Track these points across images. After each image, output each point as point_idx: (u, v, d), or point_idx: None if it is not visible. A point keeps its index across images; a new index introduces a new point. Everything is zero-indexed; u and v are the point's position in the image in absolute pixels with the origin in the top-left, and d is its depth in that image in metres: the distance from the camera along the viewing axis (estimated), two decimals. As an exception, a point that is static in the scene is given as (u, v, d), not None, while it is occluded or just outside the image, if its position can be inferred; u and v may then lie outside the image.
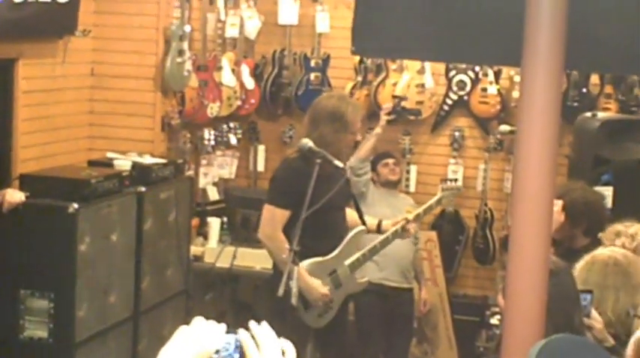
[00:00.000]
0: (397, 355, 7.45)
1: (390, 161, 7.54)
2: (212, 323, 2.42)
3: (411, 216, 6.14)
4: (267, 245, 5.75)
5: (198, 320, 2.43)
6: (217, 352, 2.40)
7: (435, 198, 6.49)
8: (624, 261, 4.17)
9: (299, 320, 5.64)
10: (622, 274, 4.12)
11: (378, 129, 7.47)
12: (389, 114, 7.65)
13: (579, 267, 4.17)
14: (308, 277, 5.61)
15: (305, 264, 5.58)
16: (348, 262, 5.88)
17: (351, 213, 6.04)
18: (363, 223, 5.95)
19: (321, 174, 5.42)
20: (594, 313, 3.88)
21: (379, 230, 6.13)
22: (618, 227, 4.75)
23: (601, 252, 4.32)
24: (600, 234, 4.86)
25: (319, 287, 5.66)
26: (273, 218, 5.64)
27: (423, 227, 7.60)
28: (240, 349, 2.40)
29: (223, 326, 2.43)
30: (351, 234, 5.91)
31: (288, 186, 5.58)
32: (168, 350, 2.39)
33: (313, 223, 5.40)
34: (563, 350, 2.65)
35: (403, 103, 6.81)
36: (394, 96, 7.64)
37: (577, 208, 5.47)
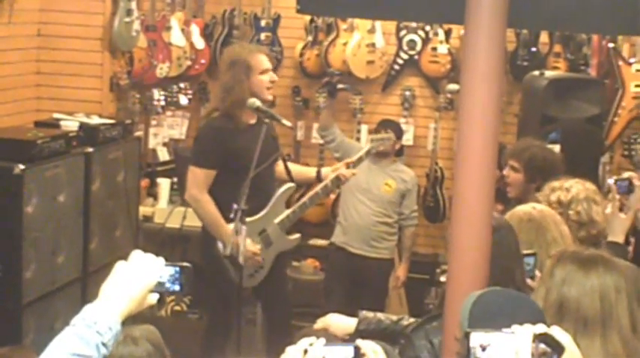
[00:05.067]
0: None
1: (382, 131, 7.45)
2: (151, 256, 2.41)
3: (353, 160, 6.18)
4: (194, 206, 5.75)
5: (137, 254, 2.42)
6: (158, 284, 2.40)
7: (365, 149, 6.52)
8: (539, 217, 4.19)
9: (225, 279, 5.62)
10: (535, 230, 4.14)
11: (323, 103, 7.36)
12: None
13: None
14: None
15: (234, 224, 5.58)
16: (277, 220, 5.88)
17: (295, 168, 6.07)
18: (291, 180, 5.94)
19: (244, 130, 5.42)
20: (539, 275, 3.90)
21: (319, 178, 6.14)
22: (554, 183, 4.78)
23: (520, 208, 4.34)
24: (537, 193, 4.90)
25: (249, 245, 5.61)
26: (197, 179, 5.62)
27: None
28: (178, 280, 2.40)
29: (162, 260, 2.43)
30: (279, 191, 5.91)
31: (212, 146, 5.57)
32: (109, 286, 2.38)
33: (238, 181, 5.35)
34: (496, 302, 2.69)
35: (336, 79, 6.78)
36: (328, 72, 7.53)
37: (535, 164, 5.52)
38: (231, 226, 5.36)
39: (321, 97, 7.45)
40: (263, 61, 5.83)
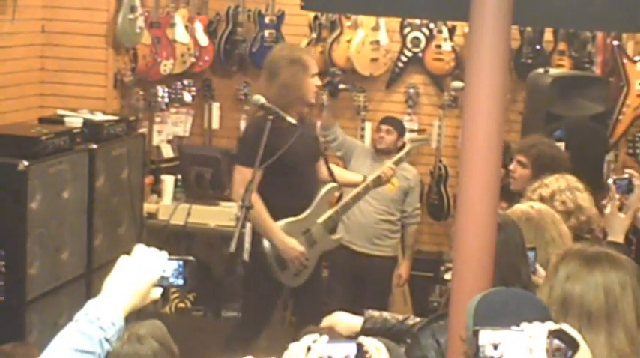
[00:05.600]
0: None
1: (384, 127, 7.45)
2: (154, 250, 2.41)
3: (396, 160, 6.30)
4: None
5: (140, 249, 2.41)
6: (162, 278, 2.39)
7: (405, 150, 6.53)
8: (537, 216, 4.19)
9: (267, 278, 5.67)
10: (534, 229, 4.13)
11: (326, 102, 7.36)
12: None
13: None
14: (284, 236, 5.64)
15: (280, 224, 5.60)
16: (321, 220, 5.89)
17: (339, 171, 6.11)
18: (334, 180, 5.97)
19: (281, 129, 5.44)
20: (540, 270, 3.90)
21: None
22: (535, 184, 4.81)
23: (518, 207, 4.34)
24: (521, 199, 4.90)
25: (296, 245, 5.69)
26: (244, 178, 5.62)
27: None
28: (182, 274, 2.40)
29: (165, 254, 2.42)
30: (322, 191, 5.93)
31: (257, 145, 5.51)
32: (112, 281, 2.37)
33: (283, 180, 5.43)
34: (501, 301, 2.68)
35: (338, 79, 6.79)
36: (329, 72, 7.54)
37: (543, 161, 5.51)
38: (280, 224, 5.54)
39: (323, 96, 7.43)
40: (314, 64, 5.92)
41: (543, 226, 4.15)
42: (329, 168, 5.98)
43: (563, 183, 4.70)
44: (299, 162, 5.63)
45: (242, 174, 5.63)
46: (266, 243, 5.65)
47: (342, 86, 6.66)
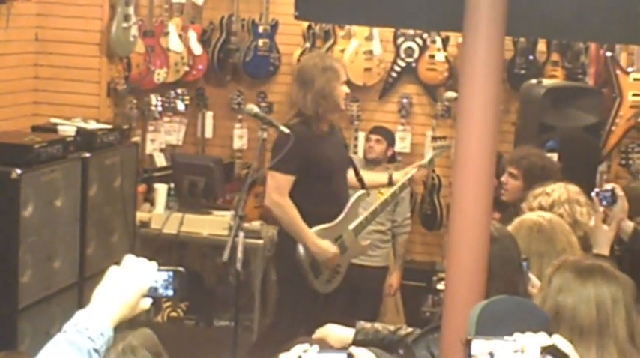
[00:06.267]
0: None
1: (373, 137, 7.44)
2: (143, 260, 2.40)
3: (422, 164, 6.29)
4: (276, 212, 5.78)
5: (130, 259, 2.40)
6: (151, 289, 2.39)
7: (428, 157, 6.54)
8: (548, 227, 4.17)
9: (303, 286, 5.71)
10: (546, 241, 4.12)
11: None
12: None
13: None
14: (317, 239, 5.68)
15: (313, 231, 5.69)
16: (352, 226, 5.94)
17: (364, 174, 6.19)
18: (363, 187, 6.01)
19: (320, 137, 5.49)
20: (534, 279, 3.90)
21: (390, 183, 6.21)
22: (537, 190, 4.79)
23: (528, 217, 4.32)
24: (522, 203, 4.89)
25: (330, 247, 5.79)
26: (278, 184, 5.65)
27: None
28: (172, 285, 2.39)
29: (154, 264, 2.41)
30: (353, 198, 5.99)
31: (293, 151, 5.51)
32: (101, 291, 2.37)
33: (317, 188, 5.48)
34: (503, 309, 2.68)
35: None
36: None
37: (534, 172, 5.52)
38: (313, 230, 5.63)
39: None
40: (344, 71, 5.99)
41: (555, 237, 4.14)
42: (358, 175, 6.04)
43: (564, 195, 4.68)
44: (333, 170, 5.70)
45: (276, 181, 5.67)
46: (301, 249, 5.72)
47: None
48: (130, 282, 2.36)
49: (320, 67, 5.80)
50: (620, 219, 4.53)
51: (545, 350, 2.29)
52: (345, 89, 5.92)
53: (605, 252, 4.41)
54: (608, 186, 4.62)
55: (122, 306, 2.33)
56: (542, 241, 4.09)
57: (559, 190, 4.71)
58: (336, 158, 5.78)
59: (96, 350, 2.26)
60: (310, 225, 5.69)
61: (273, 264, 6.20)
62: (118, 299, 2.33)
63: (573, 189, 4.76)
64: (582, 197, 4.72)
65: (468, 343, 2.28)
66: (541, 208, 4.61)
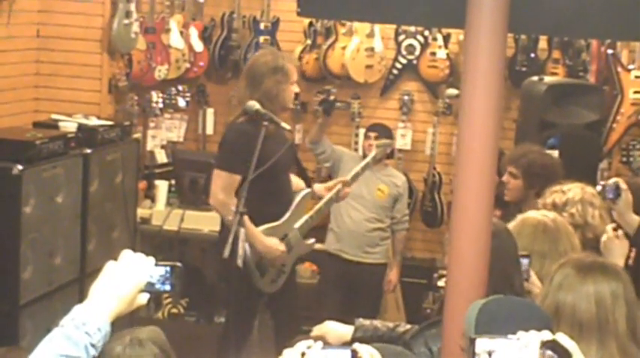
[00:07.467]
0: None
1: (371, 134, 7.44)
2: (140, 256, 2.40)
3: (348, 178, 6.14)
4: (220, 211, 5.73)
5: (127, 254, 2.41)
6: (149, 284, 2.39)
7: (371, 156, 6.51)
8: (553, 227, 4.16)
9: (249, 285, 5.66)
10: (549, 241, 4.12)
11: (320, 119, 7.32)
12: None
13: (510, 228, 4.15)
14: (264, 237, 5.65)
15: (260, 229, 5.63)
16: (297, 225, 5.89)
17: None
18: (308, 186, 5.98)
19: (267, 136, 5.43)
20: (534, 277, 3.90)
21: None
22: (555, 187, 4.78)
23: (532, 215, 4.30)
24: (538, 199, 4.89)
25: (278, 245, 5.73)
26: (224, 183, 5.62)
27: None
28: (169, 280, 2.39)
29: (152, 259, 2.41)
30: (299, 196, 5.94)
31: (239, 150, 5.53)
32: (98, 286, 2.37)
33: (263, 187, 5.42)
34: (503, 309, 2.68)
35: (332, 97, 6.84)
36: (319, 92, 7.57)
37: (534, 170, 5.52)
38: (260, 229, 5.56)
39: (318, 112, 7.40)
40: (294, 71, 5.92)
41: (558, 238, 4.13)
42: (304, 174, 6.00)
43: (578, 195, 4.67)
44: (278, 169, 5.63)
45: (222, 179, 5.64)
46: (247, 248, 5.62)
47: (338, 104, 6.69)
48: (127, 278, 2.36)
49: (271, 67, 5.74)
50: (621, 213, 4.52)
51: (545, 344, 2.29)
52: (295, 88, 5.87)
53: (621, 263, 4.37)
54: (611, 181, 4.62)
55: (119, 301, 2.34)
56: (546, 241, 4.09)
57: (575, 190, 4.71)
58: (280, 157, 5.63)
59: (93, 345, 2.27)
60: (256, 224, 5.61)
61: (218, 263, 6.08)
62: (115, 294, 2.34)
63: (590, 190, 4.75)
64: (597, 200, 4.71)
65: (472, 342, 2.28)
66: (554, 205, 4.61)
